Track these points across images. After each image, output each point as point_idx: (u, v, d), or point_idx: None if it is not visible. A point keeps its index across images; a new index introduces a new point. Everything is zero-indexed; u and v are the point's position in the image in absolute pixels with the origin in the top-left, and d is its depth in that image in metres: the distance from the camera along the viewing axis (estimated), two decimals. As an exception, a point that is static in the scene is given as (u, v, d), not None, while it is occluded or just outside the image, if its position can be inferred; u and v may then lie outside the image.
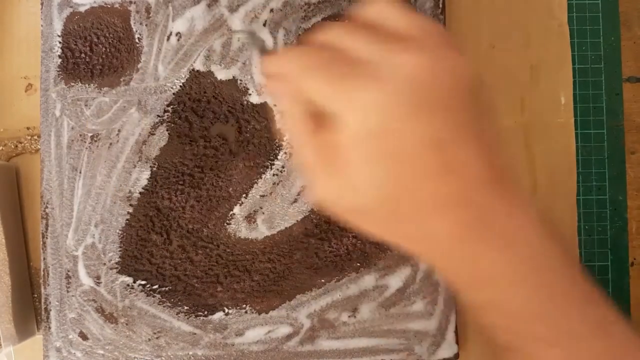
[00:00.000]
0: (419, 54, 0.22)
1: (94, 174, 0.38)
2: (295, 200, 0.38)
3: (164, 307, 0.37)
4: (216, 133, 0.38)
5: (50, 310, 0.37)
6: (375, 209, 0.23)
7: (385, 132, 0.22)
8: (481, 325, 0.25)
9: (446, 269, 0.25)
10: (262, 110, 0.38)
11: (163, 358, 0.37)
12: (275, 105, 0.38)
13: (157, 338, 0.37)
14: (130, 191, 0.38)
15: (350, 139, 0.22)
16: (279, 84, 0.25)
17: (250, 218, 0.38)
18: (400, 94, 0.22)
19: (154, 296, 0.37)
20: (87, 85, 0.38)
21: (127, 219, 0.37)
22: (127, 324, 0.37)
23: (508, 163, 0.24)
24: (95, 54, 0.38)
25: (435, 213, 0.23)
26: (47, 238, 0.37)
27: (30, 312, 0.39)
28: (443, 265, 0.25)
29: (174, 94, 0.38)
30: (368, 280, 0.37)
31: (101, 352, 0.37)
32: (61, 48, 0.38)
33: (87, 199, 0.37)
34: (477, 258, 0.23)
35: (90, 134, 0.38)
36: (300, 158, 0.25)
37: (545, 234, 0.23)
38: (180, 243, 0.37)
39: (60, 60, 0.38)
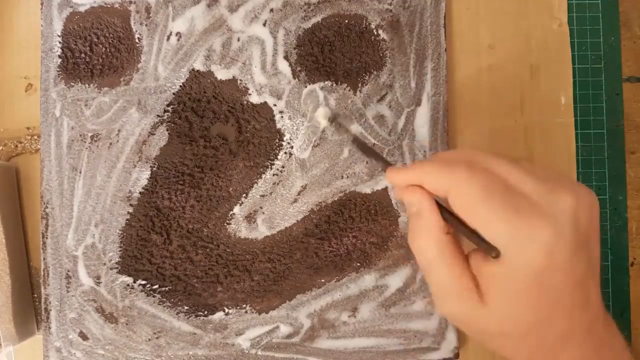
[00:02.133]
0: (575, 194, 0.23)
1: (94, 174, 0.38)
2: (295, 200, 0.38)
3: (164, 307, 0.37)
4: (216, 133, 0.38)
5: (50, 310, 0.37)
6: (516, 335, 0.24)
7: (548, 270, 0.23)
8: None
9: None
10: (262, 110, 0.38)
11: (163, 358, 0.37)
12: (275, 105, 0.38)
13: (157, 338, 0.37)
14: (130, 191, 0.38)
15: (512, 271, 0.23)
16: (439, 191, 0.25)
17: (250, 218, 0.38)
18: (566, 235, 0.22)
19: (154, 296, 0.37)
20: (87, 85, 0.38)
21: (127, 219, 0.37)
22: (127, 324, 0.37)
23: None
24: (95, 54, 0.38)
25: (565, 344, 0.24)
26: (47, 238, 0.37)
27: (30, 312, 0.39)
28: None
29: (174, 94, 0.38)
30: (368, 280, 0.37)
31: (101, 352, 0.37)
32: (61, 48, 0.38)
33: (87, 199, 0.37)
34: None
35: (90, 134, 0.38)
36: (433, 276, 0.26)
37: (628, 349, 0.25)
38: (180, 243, 0.37)
39: (60, 60, 0.38)
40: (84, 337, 0.37)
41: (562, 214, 0.23)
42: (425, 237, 0.25)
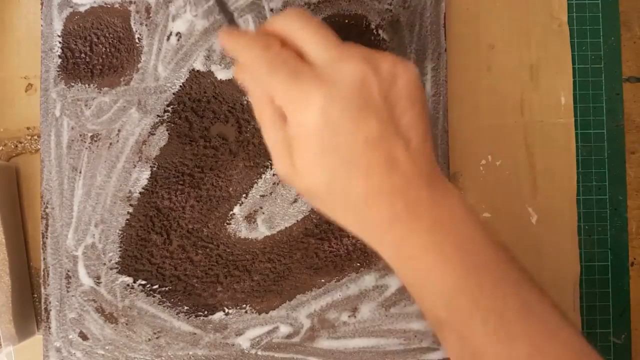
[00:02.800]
0: (367, 63, 0.26)
1: (94, 174, 0.38)
2: (295, 200, 0.38)
3: (164, 307, 0.37)
4: (216, 133, 0.38)
5: (50, 310, 0.37)
6: (323, 196, 0.27)
7: (329, 131, 0.25)
8: (414, 298, 0.28)
9: (381, 251, 0.28)
10: (262, 110, 0.38)
11: (163, 358, 0.37)
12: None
13: (157, 338, 0.37)
14: (130, 191, 0.38)
15: (301, 134, 0.26)
16: (247, 78, 0.29)
17: (250, 218, 0.38)
18: (342, 98, 0.25)
19: (154, 296, 0.37)
20: (87, 85, 0.38)
21: (127, 219, 0.37)
22: (127, 324, 0.37)
23: (435, 159, 0.27)
24: (95, 54, 0.38)
25: (370, 203, 0.26)
26: (47, 238, 0.37)
27: (30, 312, 0.39)
28: (378, 248, 0.28)
29: (174, 94, 0.38)
30: (368, 280, 0.37)
31: (101, 352, 0.37)
32: (61, 48, 0.38)
33: (87, 199, 0.37)
34: (404, 241, 0.26)
35: (90, 134, 0.38)
36: (265, 139, 0.29)
37: (472, 221, 0.26)
38: (180, 243, 0.37)
39: (60, 60, 0.38)
40: (84, 337, 0.37)
41: (342, 80, 0.25)
42: (254, 102, 0.29)
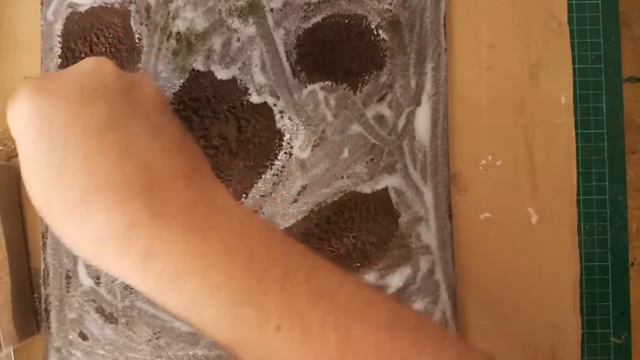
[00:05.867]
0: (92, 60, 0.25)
1: (94, 174, 0.38)
2: (295, 200, 0.38)
3: (164, 307, 0.37)
4: (216, 133, 0.38)
5: (50, 310, 0.37)
6: (41, 202, 0.23)
7: (38, 121, 0.22)
8: (194, 325, 0.23)
9: (126, 271, 0.22)
10: (262, 110, 0.38)
11: (163, 358, 0.37)
12: (275, 105, 0.38)
13: (157, 338, 0.37)
14: (130, 191, 0.37)
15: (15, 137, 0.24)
16: None
17: (250, 218, 0.38)
18: (59, 87, 0.23)
19: (154, 296, 0.37)
20: (87, 85, 0.38)
21: (127, 219, 0.37)
22: (127, 324, 0.37)
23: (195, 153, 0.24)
24: (95, 54, 0.38)
25: (88, 201, 0.21)
26: (47, 238, 0.37)
27: (30, 312, 0.39)
28: (121, 266, 0.22)
29: (173, 94, 0.38)
30: (368, 280, 0.37)
31: (101, 352, 0.37)
32: (61, 48, 0.38)
33: (87, 199, 0.37)
34: (152, 251, 0.21)
35: (90, 134, 0.38)
36: None
37: (248, 228, 0.23)
38: (180, 243, 0.37)
39: (60, 60, 0.38)
40: (84, 337, 0.37)
41: (67, 72, 0.24)
42: None
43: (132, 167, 0.22)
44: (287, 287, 0.22)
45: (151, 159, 0.22)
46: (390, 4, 0.38)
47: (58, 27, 0.38)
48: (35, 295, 0.39)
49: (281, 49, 0.38)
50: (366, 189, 0.38)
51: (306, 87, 0.38)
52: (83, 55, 0.38)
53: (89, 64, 0.25)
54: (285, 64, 0.38)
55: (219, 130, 0.38)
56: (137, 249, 0.21)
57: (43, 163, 0.22)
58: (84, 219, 0.21)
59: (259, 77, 0.38)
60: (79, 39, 0.38)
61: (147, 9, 0.38)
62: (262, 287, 0.21)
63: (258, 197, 0.38)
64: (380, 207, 0.38)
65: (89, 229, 0.21)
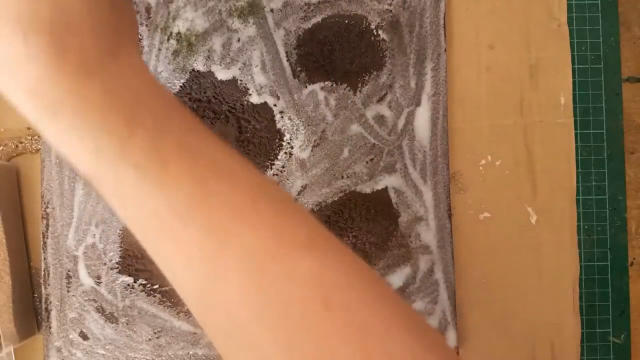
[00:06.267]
0: None
1: (94, 174, 0.38)
2: (296, 200, 0.38)
3: (164, 306, 0.37)
4: (216, 133, 0.38)
5: (51, 310, 0.37)
6: None
7: None
8: (66, 157, 0.24)
9: (17, 95, 0.23)
10: (262, 110, 0.38)
11: (163, 358, 0.37)
12: (275, 105, 0.38)
13: (157, 338, 0.37)
14: (130, 191, 0.38)
15: None
16: None
17: (250, 218, 0.38)
18: None
19: (154, 296, 0.37)
20: (87, 86, 0.38)
21: (127, 219, 0.37)
22: (127, 324, 0.37)
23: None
24: (96, 54, 0.38)
25: (8, 27, 0.22)
26: (47, 238, 0.37)
27: (30, 312, 0.39)
28: (14, 89, 0.23)
29: (174, 94, 0.38)
30: (368, 280, 0.37)
31: (102, 352, 0.37)
32: (61, 48, 0.38)
33: (88, 199, 0.37)
34: (48, 83, 0.22)
35: (90, 134, 0.38)
36: None
37: (133, 75, 0.24)
38: (180, 243, 0.37)
39: (60, 60, 0.38)
40: (84, 337, 0.37)
41: None
42: None
43: (45, 4, 0.22)
44: (155, 136, 0.22)
45: (73, 8, 0.23)
46: (390, 4, 0.38)
47: (58, 27, 0.38)
48: (36, 295, 0.39)
49: (281, 49, 0.38)
50: (366, 189, 0.38)
51: (306, 87, 0.38)
52: (83, 55, 0.38)
53: None
54: (285, 64, 0.38)
55: (219, 130, 0.38)
56: (25, 81, 0.22)
57: None
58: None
59: (259, 78, 0.38)
60: (79, 39, 0.38)
61: (147, 9, 0.38)
62: (131, 129, 0.22)
63: (258, 197, 0.38)
64: (380, 207, 0.38)
65: None
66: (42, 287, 0.37)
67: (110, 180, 0.23)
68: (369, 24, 0.38)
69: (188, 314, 0.37)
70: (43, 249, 0.37)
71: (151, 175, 0.22)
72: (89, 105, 0.22)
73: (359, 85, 0.38)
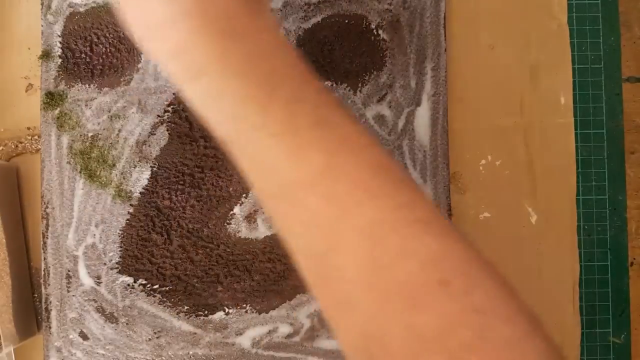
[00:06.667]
0: None
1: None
2: (296, 200, 0.38)
3: (164, 306, 0.37)
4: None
5: (51, 310, 0.37)
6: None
7: None
8: (203, 120, 0.25)
9: (163, 56, 0.24)
10: (262, 110, 0.38)
11: (163, 358, 0.37)
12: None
13: (157, 338, 0.37)
14: (130, 191, 0.38)
15: None
16: None
17: (250, 218, 0.38)
18: None
19: (154, 296, 0.37)
20: (87, 85, 0.38)
21: (127, 219, 0.37)
22: (127, 324, 0.37)
23: None
24: (95, 54, 0.38)
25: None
26: (47, 238, 0.37)
27: (30, 312, 0.39)
28: (160, 51, 0.24)
29: (174, 94, 0.38)
30: (368, 280, 0.37)
31: (102, 352, 0.37)
32: (61, 48, 0.38)
33: (88, 199, 0.37)
34: (188, 45, 0.23)
35: (90, 134, 0.38)
36: None
37: (273, 43, 0.24)
38: (180, 243, 0.37)
39: (60, 60, 0.38)
40: (84, 337, 0.37)
41: None
42: None
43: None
44: (291, 107, 0.23)
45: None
46: (390, 4, 0.38)
47: (58, 27, 0.38)
48: (36, 295, 0.39)
49: (281, 49, 0.38)
50: (366, 189, 0.38)
51: (306, 87, 0.38)
52: (83, 55, 0.38)
53: None
54: (286, 64, 0.38)
55: (219, 130, 0.38)
56: (171, 42, 0.23)
57: None
58: (140, 3, 0.23)
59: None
60: (79, 39, 0.38)
61: (147, 9, 0.38)
62: (270, 98, 0.23)
63: (258, 197, 0.38)
64: (380, 207, 0.38)
65: (141, 13, 0.24)
66: (42, 287, 0.37)
67: (243, 145, 0.24)
68: (369, 24, 0.38)
69: (188, 314, 0.37)
70: (43, 249, 0.37)
71: (284, 144, 0.23)
72: (230, 70, 0.23)
73: (359, 85, 0.38)
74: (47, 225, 0.37)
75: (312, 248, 0.23)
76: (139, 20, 0.24)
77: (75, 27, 0.38)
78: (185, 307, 0.37)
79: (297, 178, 0.23)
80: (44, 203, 0.37)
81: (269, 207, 0.25)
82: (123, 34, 0.38)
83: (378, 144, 0.24)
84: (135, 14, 0.24)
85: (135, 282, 0.37)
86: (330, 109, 0.24)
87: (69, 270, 0.37)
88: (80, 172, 0.38)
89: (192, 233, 0.38)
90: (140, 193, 0.38)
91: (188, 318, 0.37)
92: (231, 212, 0.38)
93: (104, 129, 0.38)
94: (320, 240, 0.23)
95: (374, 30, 0.38)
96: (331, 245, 0.22)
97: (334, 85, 0.38)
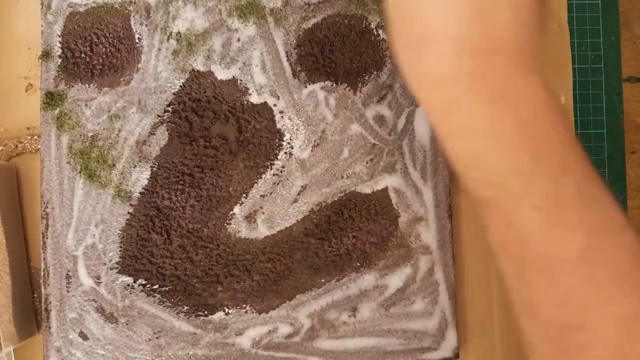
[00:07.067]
0: None
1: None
2: (295, 200, 0.38)
3: (164, 307, 0.37)
4: (216, 133, 0.38)
5: (51, 310, 0.37)
6: (390, 21, 0.24)
7: None
8: (459, 176, 0.25)
9: (431, 111, 0.24)
10: (262, 110, 0.38)
11: (163, 358, 0.37)
12: (275, 105, 0.38)
13: (157, 338, 0.37)
14: (130, 191, 0.38)
15: None
16: None
17: (250, 218, 0.38)
18: None
19: (154, 296, 0.37)
20: (87, 85, 0.38)
21: (127, 219, 0.37)
22: (127, 324, 0.37)
23: (534, 39, 0.23)
24: (95, 54, 0.38)
25: (427, 44, 0.23)
26: (47, 238, 0.37)
27: (30, 312, 0.39)
28: (429, 105, 0.24)
29: (174, 94, 0.38)
30: (368, 280, 0.37)
31: (101, 352, 0.37)
32: (61, 48, 0.38)
33: (87, 199, 0.37)
34: (458, 105, 0.23)
35: (90, 134, 0.38)
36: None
37: (544, 103, 0.23)
38: (180, 243, 0.37)
39: (60, 60, 0.38)
40: (84, 337, 0.37)
41: None
42: None
43: (477, 27, 0.22)
44: (558, 179, 0.22)
45: (497, 23, 0.22)
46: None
47: (58, 27, 0.38)
48: (35, 295, 0.39)
49: (281, 49, 0.38)
50: (366, 189, 0.38)
51: (306, 87, 0.38)
52: (83, 55, 0.38)
53: None
54: (285, 64, 0.38)
55: (219, 130, 0.38)
56: (444, 98, 0.23)
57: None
58: (420, 54, 0.23)
59: (259, 77, 0.38)
60: (79, 39, 0.38)
61: (147, 9, 0.38)
62: (536, 168, 0.22)
63: (258, 197, 0.38)
64: (380, 207, 0.38)
65: (419, 64, 0.23)
66: (42, 287, 0.37)
67: (502, 212, 0.23)
68: (369, 24, 0.38)
69: (188, 314, 0.37)
70: (43, 249, 0.37)
71: (547, 219, 0.22)
72: (497, 134, 0.23)
73: (359, 85, 0.38)
74: (47, 225, 0.37)
75: (559, 319, 0.23)
76: (419, 69, 0.24)
77: (75, 27, 0.38)
78: (185, 307, 0.37)
79: (557, 255, 0.22)
80: (44, 203, 0.37)
81: (518, 274, 0.24)
82: (123, 33, 0.38)
83: (630, 225, 0.24)
84: (413, 64, 0.24)
85: (135, 282, 0.37)
86: (595, 182, 0.23)
87: (68, 271, 0.37)
88: (80, 172, 0.38)
89: (192, 233, 0.38)
90: (140, 193, 0.38)
91: (188, 318, 0.37)
92: (231, 212, 0.38)
93: (103, 129, 0.38)
94: (572, 316, 0.22)
95: (374, 30, 0.38)
96: (582, 323, 0.22)
97: (334, 85, 0.38)
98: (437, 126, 0.25)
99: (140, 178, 0.38)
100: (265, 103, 0.38)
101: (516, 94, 0.23)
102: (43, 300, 0.37)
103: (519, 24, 0.23)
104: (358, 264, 0.38)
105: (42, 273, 0.37)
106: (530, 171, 0.22)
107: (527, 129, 0.23)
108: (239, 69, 0.38)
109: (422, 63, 0.23)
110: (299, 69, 0.38)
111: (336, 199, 0.38)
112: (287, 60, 0.38)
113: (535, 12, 0.23)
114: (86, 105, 0.38)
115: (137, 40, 0.38)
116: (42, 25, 0.38)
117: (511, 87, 0.23)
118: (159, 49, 0.38)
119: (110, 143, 0.38)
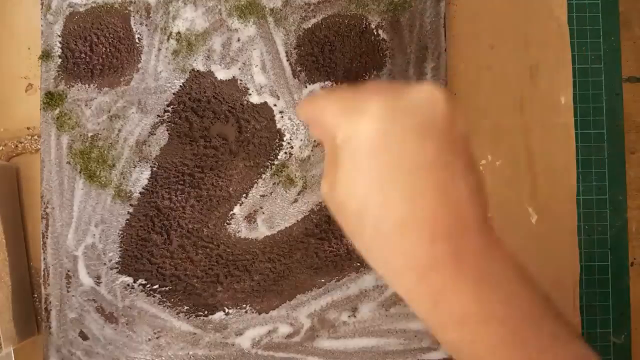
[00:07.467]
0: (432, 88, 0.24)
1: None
2: (295, 200, 0.38)
3: (164, 307, 0.37)
4: (216, 133, 0.38)
5: (51, 310, 0.37)
6: (350, 216, 0.24)
7: (380, 144, 0.23)
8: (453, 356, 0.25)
9: (418, 303, 0.24)
10: (262, 110, 0.38)
11: (163, 358, 0.37)
12: (275, 105, 0.38)
13: (157, 338, 0.37)
14: (130, 191, 0.38)
15: (351, 144, 0.24)
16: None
17: (250, 218, 0.38)
18: (405, 113, 0.23)
19: (154, 296, 0.37)
20: (87, 85, 0.38)
21: (127, 219, 0.37)
22: (127, 324, 0.37)
23: (487, 208, 0.24)
24: (95, 54, 0.38)
25: (405, 234, 0.23)
26: (47, 238, 0.37)
27: (30, 312, 0.39)
28: (414, 297, 0.24)
29: (174, 94, 0.38)
30: (368, 280, 0.37)
31: (101, 352, 0.37)
32: (61, 48, 0.38)
33: (87, 199, 0.37)
34: (444, 292, 0.23)
35: (90, 134, 0.38)
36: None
37: (519, 276, 0.24)
38: (180, 243, 0.37)
39: (60, 60, 0.38)
40: (84, 337, 0.37)
41: (410, 98, 0.24)
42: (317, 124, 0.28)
43: (444, 208, 0.22)
44: (542, 357, 0.23)
45: (460, 200, 0.23)
46: (390, 4, 0.38)
47: (58, 27, 0.38)
48: (36, 295, 0.39)
49: (281, 49, 0.38)
50: (366, 189, 0.38)
51: (306, 87, 0.38)
52: (83, 55, 0.38)
53: (423, 97, 0.24)
54: (285, 64, 0.38)
55: (219, 130, 0.38)
56: (430, 287, 0.23)
57: (366, 186, 0.23)
58: (392, 247, 0.23)
59: (259, 77, 0.38)
60: (79, 39, 0.38)
61: (147, 9, 0.38)
62: (525, 351, 0.23)
63: (258, 197, 0.38)
64: (380, 207, 0.38)
65: (393, 256, 0.23)
66: (42, 287, 0.37)
67: None
68: (369, 24, 0.38)
69: (188, 314, 0.37)
70: (43, 249, 0.37)
71: None
72: (487, 317, 0.23)
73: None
74: (47, 225, 0.37)
75: None
76: (390, 263, 0.24)
77: (75, 27, 0.38)
78: (185, 307, 0.37)
79: None
80: (44, 203, 0.37)
81: None
82: (123, 33, 0.38)
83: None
84: (384, 257, 0.24)
85: (135, 282, 0.37)
86: (580, 342, 0.24)
87: (68, 270, 0.37)
88: (80, 172, 0.38)
89: (192, 233, 0.38)
90: (140, 193, 0.38)
91: (188, 318, 0.37)
92: (231, 212, 0.38)
93: (103, 129, 0.38)
94: None
95: (374, 30, 0.38)
96: None
97: (334, 85, 0.38)
98: (426, 319, 0.24)
99: (140, 178, 0.38)
100: (265, 103, 0.38)
101: (497, 270, 0.23)
102: (43, 300, 0.37)
103: (477, 197, 0.23)
104: (358, 263, 0.38)
105: (42, 273, 0.37)
106: (521, 347, 0.23)
107: (513, 309, 0.23)
108: (239, 69, 0.38)
109: (397, 254, 0.23)
110: (299, 69, 0.38)
111: (336, 199, 0.38)
112: (287, 60, 0.38)
113: (482, 183, 0.24)
114: (86, 105, 0.38)
115: (137, 40, 0.38)
116: (42, 25, 0.38)
117: (491, 263, 0.23)
118: (159, 49, 0.38)
119: (110, 143, 0.38)
